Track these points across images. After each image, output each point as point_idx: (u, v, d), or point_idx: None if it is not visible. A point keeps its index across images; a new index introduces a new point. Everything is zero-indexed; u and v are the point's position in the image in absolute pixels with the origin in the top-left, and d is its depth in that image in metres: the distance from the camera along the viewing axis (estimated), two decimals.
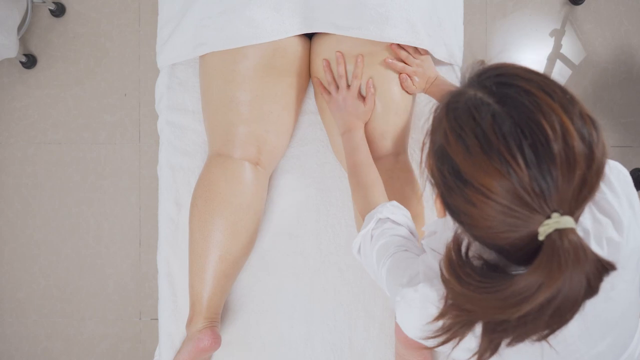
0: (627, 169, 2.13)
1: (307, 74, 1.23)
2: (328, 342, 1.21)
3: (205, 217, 1.11)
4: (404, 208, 0.93)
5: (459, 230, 0.63)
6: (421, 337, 0.70)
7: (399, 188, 1.12)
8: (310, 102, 1.27)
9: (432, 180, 0.65)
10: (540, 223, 0.53)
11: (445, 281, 0.61)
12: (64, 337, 1.91)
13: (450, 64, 1.26)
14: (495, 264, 0.62)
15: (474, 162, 0.55)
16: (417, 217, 1.14)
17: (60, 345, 1.91)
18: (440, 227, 0.81)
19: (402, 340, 1.13)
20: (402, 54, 1.13)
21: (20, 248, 1.92)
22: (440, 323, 0.64)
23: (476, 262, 0.61)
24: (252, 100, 1.13)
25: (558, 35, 1.96)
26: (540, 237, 0.53)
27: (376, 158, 1.15)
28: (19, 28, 1.86)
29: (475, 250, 0.63)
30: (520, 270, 0.59)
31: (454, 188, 0.58)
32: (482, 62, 0.65)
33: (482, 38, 1.96)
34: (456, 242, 0.62)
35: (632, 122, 1.97)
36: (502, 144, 0.53)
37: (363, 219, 0.96)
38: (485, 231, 0.58)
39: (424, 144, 0.67)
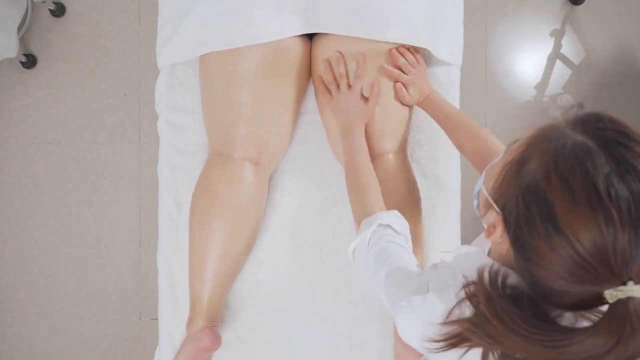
0: None
1: (307, 75, 1.23)
2: (328, 342, 1.21)
3: (206, 217, 1.11)
4: (403, 218, 0.93)
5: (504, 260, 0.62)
6: (420, 346, 0.69)
7: (397, 187, 1.12)
8: (311, 102, 1.27)
9: (501, 209, 0.63)
10: (612, 286, 0.53)
11: (481, 317, 0.60)
12: (64, 337, 1.91)
13: (450, 64, 1.26)
14: (532, 299, 0.61)
15: (576, 214, 0.54)
16: (413, 215, 1.14)
17: (60, 345, 1.91)
18: (469, 251, 0.80)
19: (400, 340, 1.13)
20: (400, 61, 1.13)
21: (20, 248, 1.92)
22: (441, 334, 0.64)
23: (509, 291, 0.61)
24: (252, 101, 1.13)
25: (558, 35, 1.96)
26: (610, 300, 0.53)
27: (375, 156, 1.14)
28: (19, 28, 1.86)
29: (511, 280, 0.62)
30: (558, 311, 0.60)
31: (539, 229, 0.57)
32: (582, 105, 0.63)
33: (482, 38, 1.96)
34: (495, 274, 0.61)
35: (632, 122, 1.96)
36: (615, 207, 0.53)
37: (357, 223, 0.95)
38: (548, 273, 0.58)
39: (494, 168, 0.64)
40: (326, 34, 1.15)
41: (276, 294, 1.23)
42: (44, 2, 1.87)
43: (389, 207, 1.09)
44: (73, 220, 1.91)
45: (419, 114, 1.26)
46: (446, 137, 1.25)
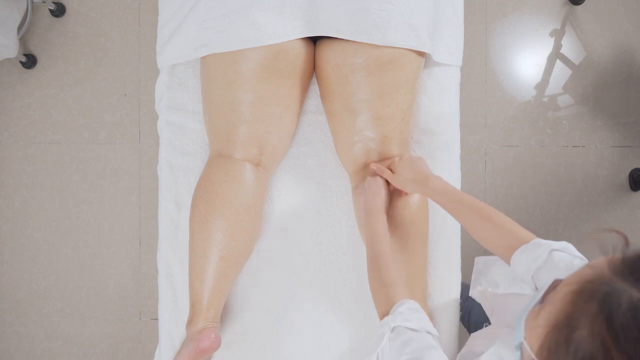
0: (627, 169, 2.14)
1: (309, 76, 1.23)
2: (328, 342, 1.21)
3: (206, 218, 1.12)
4: (421, 309, 0.87)
5: None
6: None
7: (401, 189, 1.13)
8: (311, 102, 1.27)
9: None
10: None
11: None
12: (64, 337, 1.91)
13: (450, 65, 1.26)
14: None
15: None
16: (420, 216, 1.15)
17: (60, 345, 1.91)
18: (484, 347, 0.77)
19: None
20: (385, 174, 1.12)
21: (20, 248, 1.92)
22: None
23: None
24: (254, 102, 1.13)
25: (558, 35, 1.96)
26: None
27: (382, 160, 1.16)
28: (19, 28, 1.86)
29: None
30: None
31: None
32: (626, 239, 0.53)
33: (482, 38, 1.96)
34: None
35: (632, 122, 1.97)
36: None
37: (380, 318, 0.90)
38: None
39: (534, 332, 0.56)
40: (330, 39, 1.15)
41: (276, 294, 1.23)
42: (44, 2, 1.87)
43: (398, 208, 1.09)
44: (73, 220, 1.91)
45: (419, 114, 1.26)
46: (446, 138, 1.25)
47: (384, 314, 0.89)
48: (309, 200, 1.25)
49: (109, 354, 1.91)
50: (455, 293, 1.20)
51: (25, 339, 1.92)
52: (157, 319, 1.23)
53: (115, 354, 1.91)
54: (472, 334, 1.06)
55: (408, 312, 0.85)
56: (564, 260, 0.79)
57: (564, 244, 0.82)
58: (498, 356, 0.84)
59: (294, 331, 1.21)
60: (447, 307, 1.19)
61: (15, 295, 1.92)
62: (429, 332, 0.83)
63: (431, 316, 1.19)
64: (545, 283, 0.65)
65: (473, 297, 1.11)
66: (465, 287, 1.25)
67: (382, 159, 1.16)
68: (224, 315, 1.21)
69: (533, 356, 0.57)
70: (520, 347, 0.62)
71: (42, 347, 1.92)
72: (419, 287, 1.15)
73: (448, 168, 1.24)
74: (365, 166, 1.18)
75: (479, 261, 1.16)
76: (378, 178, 1.13)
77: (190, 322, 1.13)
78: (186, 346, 1.12)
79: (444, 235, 1.22)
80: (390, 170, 1.13)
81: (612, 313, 0.47)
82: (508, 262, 0.88)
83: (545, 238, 0.85)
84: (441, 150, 1.24)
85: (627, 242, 0.53)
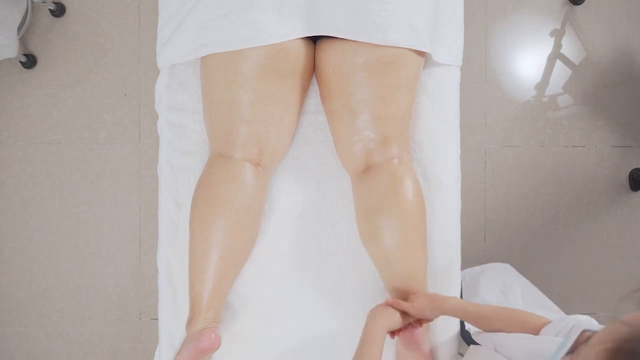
0: (627, 169, 2.14)
1: (309, 76, 1.23)
2: (328, 342, 1.21)
3: (206, 218, 1.12)
4: None
5: None
6: None
7: (403, 189, 1.13)
8: (311, 102, 1.27)
9: None
10: None
11: None
12: (64, 337, 1.91)
13: (450, 65, 1.26)
14: None
15: None
16: (419, 216, 1.15)
17: (60, 345, 1.91)
18: None
19: (403, 339, 1.13)
20: (402, 305, 1.08)
21: (20, 248, 1.92)
22: None
23: None
24: (254, 101, 1.13)
25: (558, 35, 1.96)
26: None
27: (382, 162, 1.15)
28: (19, 28, 1.86)
29: None
30: None
31: None
32: None
33: (482, 38, 1.96)
34: None
35: (632, 122, 1.97)
36: None
37: None
38: None
39: None
40: (330, 39, 1.15)
41: (276, 294, 1.23)
42: (44, 2, 1.87)
43: (396, 209, 1.08)
44: (73, 220, 1.91)
45: (419, 114, 1.26)
46: (446, 138, 1.25)
47: None
48: (309, 200, 1.25)
49: (109, 354, 1.91)
50: (456, 292, 1.20)
51: (25, 339, 1.92)
52: (157, 319, 1.23)
53: (115, 354, 1.91)
54: (472, 347, 1.06)
55: None
56: (591, 322, 0.81)
57: (587, 318, 0.82)
58: None
59: (294, 331, 1.21)
60: None
61: (15, 295, 1.92)
62: None
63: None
64: (572, 333, 0.64)
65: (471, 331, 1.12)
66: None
67: (383, 159, 1.16)
68: (224, 315, 1.21)
69: None
70: None
71: (42, 347, 1.92)
72: (418, 286, 1.15)
73: (448, 168, 1.24)
74: (366, 168, 1.18)
75: (466, 274, 1.17)
76: (389, 307, 1.08)
77: (190, 322, 1.13)
78: (186, 346, 1.12)
79: (444, 235, 1.22)
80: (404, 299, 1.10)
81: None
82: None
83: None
84: (441, 150, 1.24)
85: None
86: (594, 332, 0.56)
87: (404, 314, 1.07)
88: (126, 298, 1.90)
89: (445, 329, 1.18)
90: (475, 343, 1.06)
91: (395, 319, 1.07)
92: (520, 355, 0.84)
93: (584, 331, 0.58)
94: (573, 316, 0.85)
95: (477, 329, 1.09)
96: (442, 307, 1.05)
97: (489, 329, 1.00)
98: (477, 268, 1.17)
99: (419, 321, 1.11)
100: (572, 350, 0.58)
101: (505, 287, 1.20)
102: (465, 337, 1.19)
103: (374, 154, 1.16)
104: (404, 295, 1.12)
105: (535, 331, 0.90)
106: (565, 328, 0.80)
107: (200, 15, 1.13)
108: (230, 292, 1.22)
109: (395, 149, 1.16)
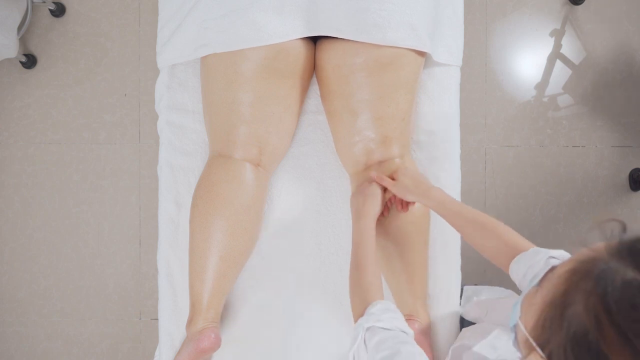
0: (627, 169, 2.14)
1: (309, 76, 1.23)
2: (328, 342, 1.21)
3: (206, 218, 1.12)
4: (395, 309, 0.88)
5: None
6: None
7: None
8: (311, 102, 1.27)
9: (547, 356, 0.55)
10: None
11: None
12: (64, 337, 1.91)
13: (450, 65, 1.26)
14: None
15: None
16: (420, 216, 1.15)
17: (60, 345, 1.91)
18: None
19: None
20: (386, 182, 1.11)
21: (20, 248, 1.92)
22: None
23: None
24: (254, 101, 1.13)
25: (558, 35, 1.96)
26: None
27: (383, 161, 1.16)
28: (19, 28, 1.86)
29: None
30: None
31: None
32: (624, 225, 0.56)
33: (482, 38, 1.96)
34: None
35: (632, 122, 1.97)
36: None
37: (355, 320, 0.92)
38: None
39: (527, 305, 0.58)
40: (330, 39, 1.15)
41: (276, 294, 1.23)
42: (44, 2, 1.87)
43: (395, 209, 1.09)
44: (73, 220, 1.91)
45: (419, 114, 1.26)
46: (446, 138, 1.25)
47: (358, 315, 0.90)
48: (309, 200, 1.25)
49: (109, 354, 1.91)
50: (455, 292, 1.20)
51: (25, 339, 1.92)
52: (157, 319, 1.23)
53: (115, 354, 1.91)
54: (464, 329, 1.07)
55: (380, 312, 0.86)
56: (564, 255, 0.81)
57: (561, 252, 0.83)
58: (492, 347, 0.84)
59: (294, 331, 1.21)
60: (447, 306, 1.19)
61: (15, 295, 1.92)
62: (403, 331, 0.84)
63: (430, 315, 1.19)
64: (542, 271, 0.67)
65: (466, 317, 1.12)
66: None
67: (383, 159, 1.16)
68: (224, 315, 1.21)
69: (527, 335, 0.58)
70: (515, 329, 0.64)
71: (42, 347, 1.92)
72: (419, 285, 1.15)
73: (448, 168, 1.24)
74: (366, 167, 1.18)
75: (468, 289, 1.18)
76: (374, 184, 1.12)
77: (190, 322, 1.13)
78: (186, 346, 1.12)
79: (444, 235, 1.22)
80: (392, 178, 1.12)
81: (606, 289, 0.49)
82: (507, 271, 0.89)
83: (545, 238, 0.86)
84: (441, 150, 1.24)
85: (624, 228, 0.56)
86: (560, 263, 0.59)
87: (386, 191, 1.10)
88: (126, 298, 1.90)
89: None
90: (464, 326, 1.06)
91: (379, 209, 1.09)
92: (507, 315, 0.84)
93: (552, 267, 0.61)
94: (545, 250, 0.83)
95: (467, 297, 1.09)
96: (424, 195, 1.04)
97: (465, 234, 0.98)
98: (483, 287, 1.19)
99: (402, 203, 1.12)
100: (539, 284, 0.61)
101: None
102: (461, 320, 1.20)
103: (374, 153, 1.16)
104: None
105: (509, 254, 0.87)
106: (537, 265, 0.81)
107: (200, 15, 1.13)
108: (230, 292, 1.22)
109: (395, 149, 1.16)
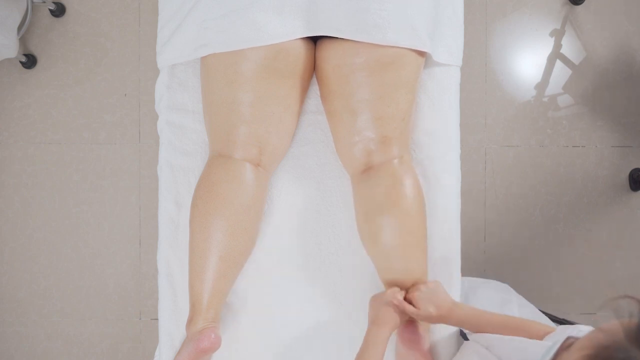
0: (627, 169, 2.14)
1: (309, 76, 1.23)
2: (328, 342, 1.21)
3: (206, 218, 1.12)
4: None
5: None
6: None
7: (404, 190, 1.13)
8: (311, 102, 1.27)
9: None
10: None
11: None
12: (64, 337, 1.91)
13: (450, 65, 1.26)
14: None
15: None
16: (419, 217, 1.15)
17: (60, 345, 1.92)
18: None
19: (402, 338, 1.13)
20: (407, 310, 1.07)
21: (20, 248, 1.92)
22: None
23: None
24: (254, 101, 1.13)
25: (558, 35, 1.96)
26: None
27: (383, 162, 1.15)
28: (19, 28, 1.86)
29: None
30: None
31: None
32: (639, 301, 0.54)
33: (482, 38, 1.96)
34: None
35: (632, 122, 1.97)
36: None
37: None
38: None
39: None
40: (330, 39, 1.15)
41: (276, 294, 1.23)
42: (44, 2, 1.87)
43: (396, 209, 1.08)
44: (73, 220, 1.91)
45: (419, 114, 1.26)
46: (446, 138, 1.25)
47: None
48: (309, 200, 1.25)
49: (109, 354, 1.91)
50: (456, 292, 1.20)
51: (25, 339, 1.92)
52: (157, 319, 1.23)
53: (115, 354, 1.91)
54: (464, 345, 1.06)
55: None
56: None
57: (589, 328, 0.82)
58: None
59: (294, 331, 1.21)
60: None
61: (15, 295, 1.92)
62: None
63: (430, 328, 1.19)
64: (559, 339, 0.65)
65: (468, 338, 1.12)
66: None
67: (384, 160, 1.15)
68: (224, 315, 1.21)
69: None
70: None
71: (42, 347, 1.92)
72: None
73: (448, 168, 1.24)
74: (367, 168, 1.18)
75: (465, 282, 1.17)
76: (392, 311, 1.08)
77: (190, 322, 1.13)
78: (186, 346, 1.12)
79: (444, 235, 1.22)
80: (409, 301, 1.09)
81: None
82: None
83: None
84: (441, 150, 1.24)
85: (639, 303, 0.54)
86: (577, 339, 0.58)
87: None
88: (126, 298, 1.90)
89: (445, 327, 1.18)
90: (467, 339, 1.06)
91: (397, 322, 1.07)
92: (509, 356, 0.84)
93: (568, 337, 0.60)
94: (575, 325, 0.84)
95: (464, 293, 1.09)
96: (447, 315, 1.04)
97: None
98: (478, 279, 1.19)
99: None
100: (556, 356, 0.60)
101: (503, 301, 1.22)
102: (462, 333, 1.20)
103: (374, 154, 1.16)
104: (403, 286, 1.12)
105: (539, 339, 0.89)
106: (562, 336, 0.81)
107: (200, 15, 1.13)
108: (231, 292, 1.22)
109: (395, 149, 1.16)
